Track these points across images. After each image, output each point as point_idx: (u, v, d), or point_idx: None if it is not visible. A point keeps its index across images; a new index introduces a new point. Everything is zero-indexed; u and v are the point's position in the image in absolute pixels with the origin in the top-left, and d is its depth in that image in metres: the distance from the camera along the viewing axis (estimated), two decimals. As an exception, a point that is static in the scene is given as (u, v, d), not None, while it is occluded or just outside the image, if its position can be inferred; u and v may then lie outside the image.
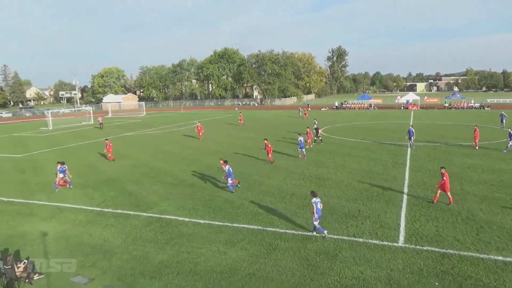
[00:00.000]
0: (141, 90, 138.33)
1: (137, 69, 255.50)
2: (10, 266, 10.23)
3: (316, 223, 13.02)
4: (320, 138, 33.11)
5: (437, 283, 9.70)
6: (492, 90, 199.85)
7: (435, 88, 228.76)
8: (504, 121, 40.56)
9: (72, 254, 12.14)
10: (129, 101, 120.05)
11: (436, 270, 10.36)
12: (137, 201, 17.43)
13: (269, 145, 24.87)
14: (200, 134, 37.91)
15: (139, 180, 21.38)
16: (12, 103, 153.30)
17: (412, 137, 28.96)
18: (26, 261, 10.85)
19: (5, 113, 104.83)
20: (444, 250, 11.53)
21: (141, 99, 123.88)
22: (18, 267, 10.41)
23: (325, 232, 12.96)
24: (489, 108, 72.58)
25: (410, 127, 29.74)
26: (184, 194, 18.30)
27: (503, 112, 43.08)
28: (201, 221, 14.63)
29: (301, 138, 26.18)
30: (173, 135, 42.84)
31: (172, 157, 28.11)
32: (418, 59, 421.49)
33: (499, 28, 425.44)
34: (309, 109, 73.43)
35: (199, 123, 39.80)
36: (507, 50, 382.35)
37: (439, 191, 15.78)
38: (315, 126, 33.31)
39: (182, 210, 15.99)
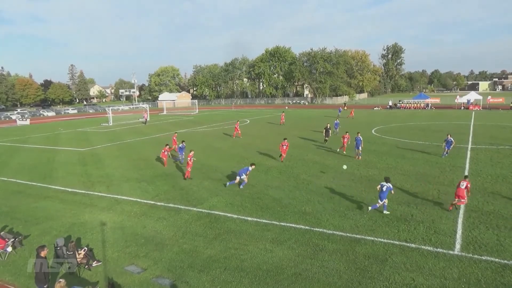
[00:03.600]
0: (194, 89, 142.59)
1: (191, 68, 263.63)
2: (72, 252, 11.06)
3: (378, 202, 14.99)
4: (326, 138, 32.38)
5: (496, 296, 9.09)
6: None
7: (500, 87, 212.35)
8: None
9: (127, 244, 12.86)
10: (183, 99, 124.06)
11: (496, 282, 9.69)
12: (188, 196, 18.03)
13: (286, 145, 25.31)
14: (235, 133, 38.24)
15: (190, 175, 22.05)
16: (77, 100, 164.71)
17: (450, 147, 25.25)
18: (86, 248, 11.66)
19: (71, 109, 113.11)
20: (505, 261, 10.74)
21: (194, 97, 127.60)
22: (79, 254, 11.23)
23: (369, 208, 15.12)
24: None
25: (448, 136, 25.61)
26: (233, 191, 18.62)
27: None
28: (249, 219, 14.82)
29: (359, 137, 25.47)
30: (223, 133, 43.68)
31: (222, 154, 28.69)
32: (482, 56, 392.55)
33: None
34: (346, 108, 71.27)
35: (237, 122, 40.12)
36: None
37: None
38: (328, 126, 33.04)
39: (230, 207, 16.30)
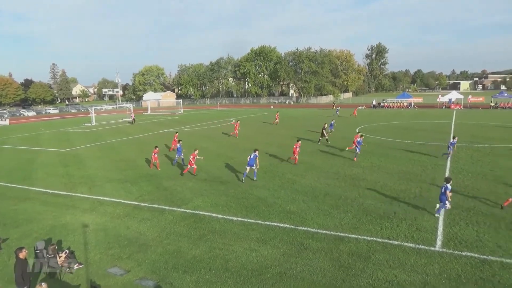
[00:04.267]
0: (179, 88, 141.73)
1: (176, 67, 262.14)
2: (52, 255, 10.83)
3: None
4: (326, 138, 32.25)
5: (476, 291, 9.28)
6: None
7: (480, 86, 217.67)
8: None
9: (110, 245, 12.67)
10: (168, 98, 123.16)
11: (475, 277, 9.90)
12: (172, 197, 17.87)
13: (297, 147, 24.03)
14: (235, 132, 38.16)
15: (174, 176, 21.91)
16: (59, 100, 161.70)
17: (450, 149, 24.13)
18: (67, 250, 11.44)
19: (53, 109, 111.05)
20: (484, 257, 10.98)
21: (179, 96, 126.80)
22: (60, 257, 11.00)
23: (436, 215, 14.25)
24: (540, 108, 68.11)
25: (455, 138, 24.91)
26: (218, 191, 18.56)
27: None
28: (234, 218, 14.79)
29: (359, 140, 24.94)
30: (209, 132, 43.51)
31: (208, 154, 28.47)
32: (463, 57, 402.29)
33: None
34: (334, 107, 71.72)
35: (237, 122, 40.06)
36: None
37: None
38: (325, 126, 32.99)
39: (215, 207, 16.23)
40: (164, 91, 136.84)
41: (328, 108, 78.10)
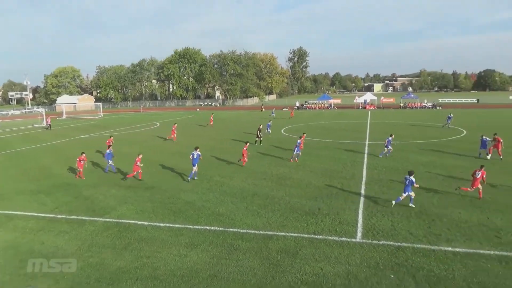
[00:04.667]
0: (98, 91, 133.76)
1: (94, 69, 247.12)
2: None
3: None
4: (256, 139, 32.72)
5: (392, 276, 10.07)
6: (443, 90, 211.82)
7: (391, 88, 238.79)
8: (449, 121, 42.36)
9: (22, 264, 11.46)
10: (85, 102, 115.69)
11: (391, 263, 10.76)
12: (94, 206, 16.76)
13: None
14: (172, 136, 37.00)
15: (95, 183, 20.59)
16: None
17: (389, 147, 25.39)
18: (-31, 273, 10.12)
19: None
20: (398, 244, 11.99)
21: (98, 100, 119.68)
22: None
23: (393, 202, 15.36)
24: (440, 108, 76.58)
25: (391, 136, 25.96)
26: (143, 197, 17.83)
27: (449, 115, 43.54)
28: (161, 225, 14.31)
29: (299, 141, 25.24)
30: (132, 137, 41.69)
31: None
32: (376, 61, 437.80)
33: (450, 31, 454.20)
34: (263, 110, 73.42)
35: (174, 124, 38.76)
36: (457, 52, 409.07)
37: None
38: (260, 127, 33.48)
39: (141, 214, 15.56)
40: (81, 94, 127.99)
41: (257, 110, 79.65)
